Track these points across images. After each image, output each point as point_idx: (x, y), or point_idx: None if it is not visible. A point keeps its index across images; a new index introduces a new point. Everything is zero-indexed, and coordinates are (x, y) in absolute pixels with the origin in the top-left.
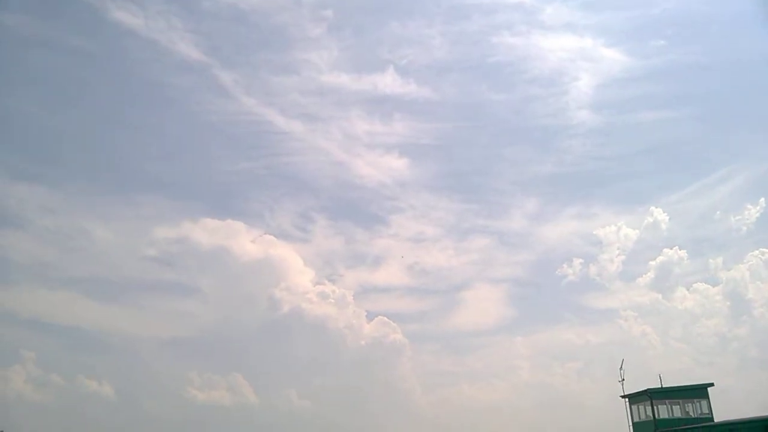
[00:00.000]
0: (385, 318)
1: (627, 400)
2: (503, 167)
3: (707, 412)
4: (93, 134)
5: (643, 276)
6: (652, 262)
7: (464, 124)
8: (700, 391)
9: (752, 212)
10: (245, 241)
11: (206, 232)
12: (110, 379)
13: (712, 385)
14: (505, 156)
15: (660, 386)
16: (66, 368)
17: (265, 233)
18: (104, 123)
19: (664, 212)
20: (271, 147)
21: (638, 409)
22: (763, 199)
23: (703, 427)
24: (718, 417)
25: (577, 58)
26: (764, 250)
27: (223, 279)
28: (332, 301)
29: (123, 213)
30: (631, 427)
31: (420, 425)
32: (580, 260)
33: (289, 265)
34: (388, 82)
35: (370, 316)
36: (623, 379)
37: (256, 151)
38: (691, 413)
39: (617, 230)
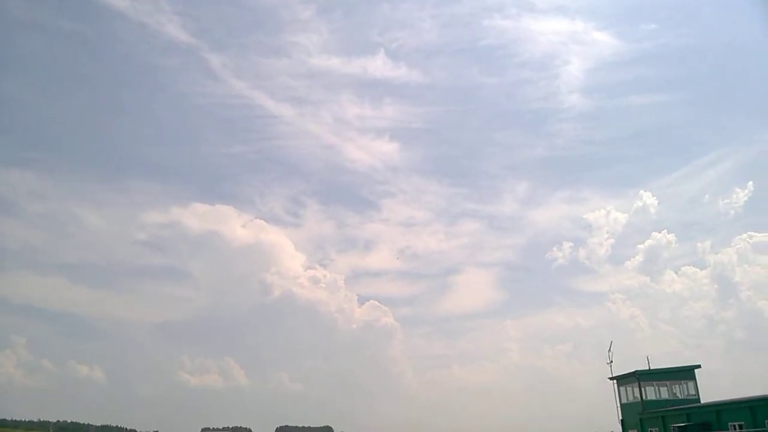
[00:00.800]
0: (377, 302)
1: (615, 381)
2: (494, 151)
3: (694, 393)
4: (83, 119)
5: (632, 259)
6: (641, 246)
7: (455, 107)
8: (687, 373)
9: (740, 196)
10: (236, 226)
11: (196, 216)
12: (102, 364)
13: (699, 367)
14: (495, 140)
15: (648, 368)
16: (57, 353)
17: (255, 218)
18: (94, 107)
19: (653, 196)
20: (261, 131)
21: (626, 390)
22: (751, 183)
23: (689, 408)
24: (705, 398)
25: (568, 41)
26: (752, 233)
27: (214, 264)
28: (323, 285)
29: (114, 198)
30: (619, 409)
31: (411, 406)
32: (570, 244)
33: (280, 250)
34: (378, 66)
35: (362, 300)
36: (612, 361)
37: (246, 135)
38: (678, 395)
39: (607, 214)
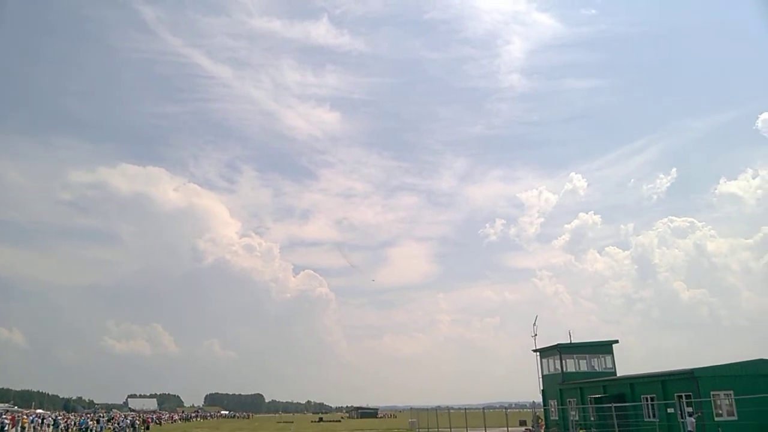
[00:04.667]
0: (312, 271)
1: (538, 354)
2: (435, 126)
3: (611, 366)
4: (3, 67)
5: (559, 238)
6: (568, 226)
7: (397, 80)
8: (605, 348)
9: (663, 181)
10: (167, 189)
11: (125, 177)
12: (22, 327)
13: (616, 342)
14: (437, 115)
15: (569, 342)
16: None
17: (188, 182)
18: (15, 55)
19: (583, 178)
20: (197, 91)
21: (548, 362)
22: (675, 170)
23: (605, 380)
24: (621, 371)
25: (510, 21)
26: (673, 218)
27: (144, 227)
28: (258, 253)
29: (36, 154)
30: (541, 380)
31: (344, 375)
32: (503, 221)
33: (214, 216)
34: (321, 32)
35: (297, 270)
36: (536, 335)
37: (181, 94)
38: (596, 367)
39: (539, 194)
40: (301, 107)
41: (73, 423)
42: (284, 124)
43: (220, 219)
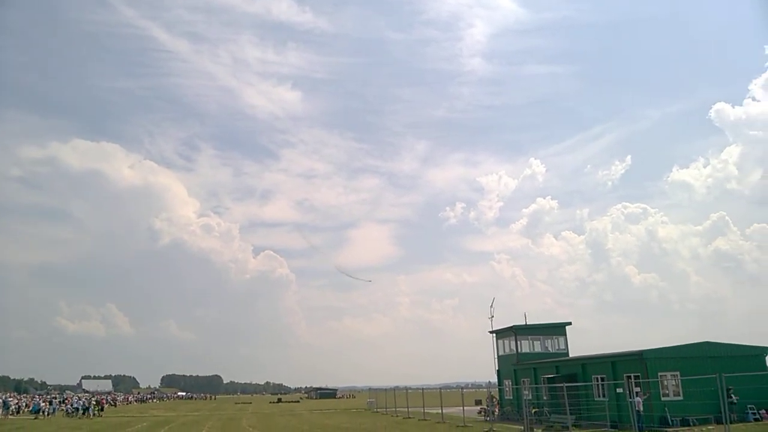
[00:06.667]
0: (272, 252)
1: (495, 335)
2: (397, 108)
3: (564, 348)
4: None
5: (517, 222)
6: (526, 210)
7: (360, 60)
8: (558, 329)
9: (618, 168)
10: (122, 166)
11: (78, 153)
12: None
13: (570, 324)
14: (399, 97)
15: (525, 323)
16: None
17: (144, 159)
18: None
19: (541, 164)
20: (153, 66)
21: (504, 343)
22: (629, 157)
23: (558, 361)
24: (574, 352)
25: (474, 4)
26: (626, 204)
27: (98, 205)
28: (217, 234)
29: None
30: (497, 360)
31: (304, 355)
32: (463, 205)
33: (171, 195)
34: (283, 8)
35: (257, 251)
36: (493, 316)
37: (136, 69)
38: (550, 348)
39: (498, 179)
40: (261, 85)
41: (24, 405)
42: (244, 101)
43: (177, 198)
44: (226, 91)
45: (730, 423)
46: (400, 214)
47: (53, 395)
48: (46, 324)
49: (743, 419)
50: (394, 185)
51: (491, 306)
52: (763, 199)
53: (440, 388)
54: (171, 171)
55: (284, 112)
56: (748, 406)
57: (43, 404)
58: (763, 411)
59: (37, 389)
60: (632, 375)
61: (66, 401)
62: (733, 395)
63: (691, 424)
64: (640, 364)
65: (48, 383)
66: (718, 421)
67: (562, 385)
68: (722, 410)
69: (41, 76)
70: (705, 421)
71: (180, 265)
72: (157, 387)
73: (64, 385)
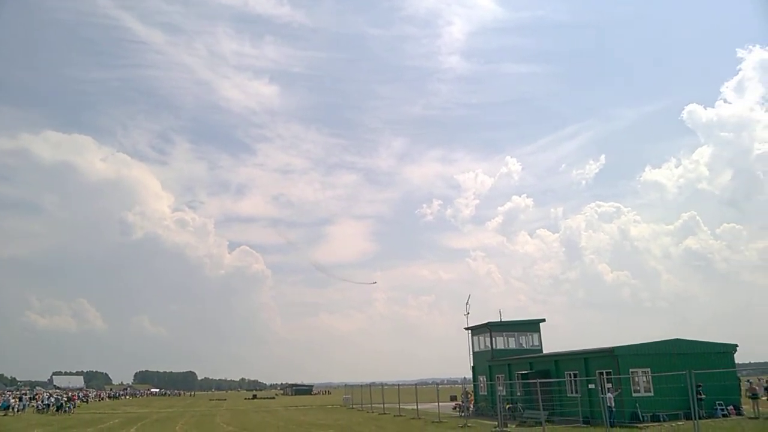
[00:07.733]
0: (248, 248)
1: (470, 331)
2: (375, 104)
3: (538, 344)
4: None
5: (492, 220)
6: (501, 208)
7: (339, 55)
8: (532, 326)
9: (593, 167)
10: (94, 159)
11: (49, 145)
12: None
13: (543, 320)
14: (377, 93)
15: (499, 320)
16: None
17: (118, 151)
18: None
19: (517, 162)
20: (127, 57)
21: (479, 339)
22: (603, 156)
23: (532, 357)
24: (547, 349)
25: (452, 1)
26: (600, 203)
27: (69, 198)
28: (192, 228)
29: None
30: (472, 356)
31: (279, 351)
32: (439, 202)
33: (144, 188)
34: (260, 1)
35: (232, 246)
36: (468, 313)
37: (110, 60)
38: (524, 345)
39: (475, 176)
40: (237, 78)
41: None
42: (220, 95)
43: (151, 192)
44: (201, 84)
45: (699, 419)
46: (377, 211)
47: (23, 391)
48: (16, 319)
49: (712, 415)
50: (371, 181)
51: (467, 303)
52: (732, 200)
53: (416, 385)
54: (145, 164)
55: (261, 107)
56: (717, 402)
57: (13, 400)
58: (731, 407)
59: (6, 385)
60: (604, 371)
61: (36, 397)
62: (702, 392)
63: (662, 419)
64: (611, 361)
65: (18, 379)
66: (688, 417)
67: (535, 381)
68: (691, 406)
69: (12, 65)
70: (675, 417)
71: (154, 260)
72: (130, 383)
73: (35, 381)
